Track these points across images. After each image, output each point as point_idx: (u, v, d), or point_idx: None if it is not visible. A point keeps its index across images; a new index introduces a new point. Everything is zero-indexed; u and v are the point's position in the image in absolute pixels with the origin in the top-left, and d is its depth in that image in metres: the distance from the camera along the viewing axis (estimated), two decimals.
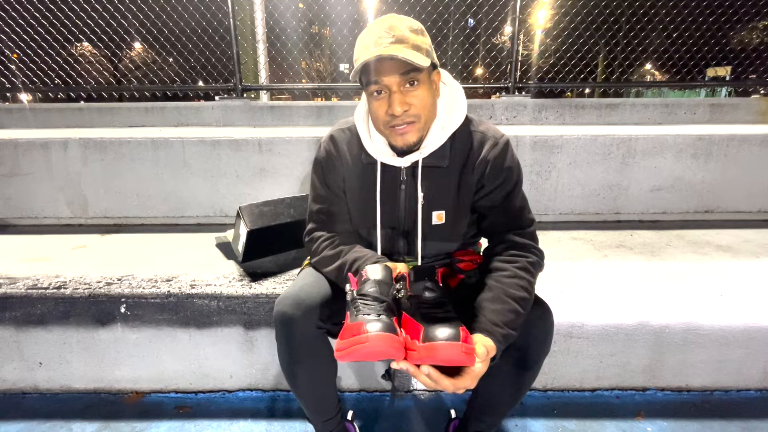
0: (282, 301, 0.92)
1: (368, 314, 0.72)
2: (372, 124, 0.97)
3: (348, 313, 0.77)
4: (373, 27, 0.87)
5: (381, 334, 0.67)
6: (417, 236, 1.01)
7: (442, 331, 0.68)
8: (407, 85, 0.86)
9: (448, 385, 0.72)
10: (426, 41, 0.88)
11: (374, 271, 0.80)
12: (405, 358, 0.71)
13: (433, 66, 0.90)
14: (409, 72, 0.84)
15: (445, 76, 0.99)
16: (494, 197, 0.97)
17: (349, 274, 0.87)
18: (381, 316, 0.71)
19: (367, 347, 0.66)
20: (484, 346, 0.76)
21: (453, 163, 0.97)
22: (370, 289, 0.77)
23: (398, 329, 0.73)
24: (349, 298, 0.79)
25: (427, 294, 0.78)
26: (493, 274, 0.91)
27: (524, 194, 1.00)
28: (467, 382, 0.73)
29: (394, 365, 0.71)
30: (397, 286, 0.79)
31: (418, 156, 0.95)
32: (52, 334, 1.36)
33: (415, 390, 1.42)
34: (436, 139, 0.95)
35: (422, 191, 0.98)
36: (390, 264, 0.87)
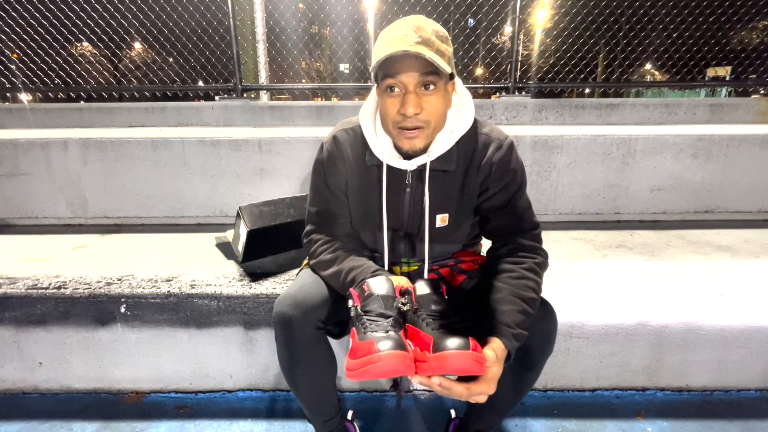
0: (281, 301, 0.92)
1: (376, 331, 0.71)
2: (380, 125, 0.95)
3: (354, 329, 0.76)
4: (399, 24, 0.85)
5: (393, 352, 0.67)
6: (423, 240, 1.00)
7: (452, 341, 0.69)
8: (423, 88, 0.84)
9: (462, 391, 0.72)
10: (449, 50, 0.86)
11: (377, 286, 0.79)
12: (416, 371, 0.71)
13: (450, 76, 0.89)
14: (429, 74, 0.82)
15: (457, 84, 0.97)
16: (499, 199, 0.97)
17: (351, 289, 0.86)
18: (390, 333, 0.71)
19: (380, 366, 0.66)
20: (492, 349, 0.75)
21: (458, 165, 0.96)
22: (374, 304, 0.76)
23: (407, 344, 0.73)
24: (353, 314, 0.79)
25: (433, 306, 0.78)
26: (500, 276, 0.90)
27: (528, 196, 1.00)
28: (483, 386, 0.73)
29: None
30: (402, 300, 0.79)
31: (425, 159, 0.94)
32: (52, 334, 1.36)
33: (416, 390, 1.42)
34: (444, 143, 0.94)
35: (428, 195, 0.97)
36: (390, 277, 0.87)
